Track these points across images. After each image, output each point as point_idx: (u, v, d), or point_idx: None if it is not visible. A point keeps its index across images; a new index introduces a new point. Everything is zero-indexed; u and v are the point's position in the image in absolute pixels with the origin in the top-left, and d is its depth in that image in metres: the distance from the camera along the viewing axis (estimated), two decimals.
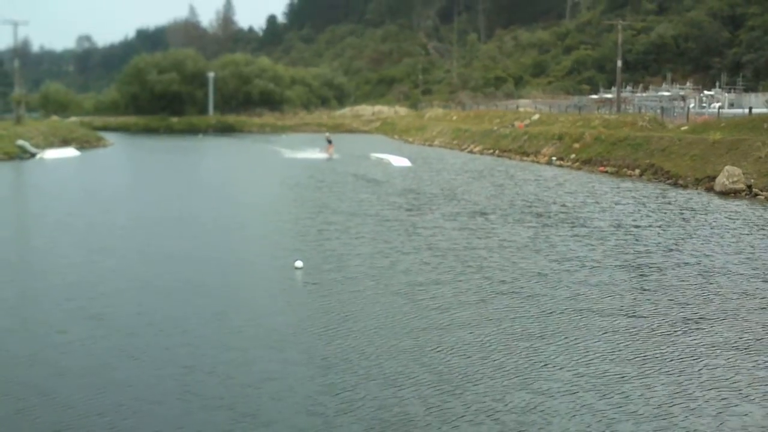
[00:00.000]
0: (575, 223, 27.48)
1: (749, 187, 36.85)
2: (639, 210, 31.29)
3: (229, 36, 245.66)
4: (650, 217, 29.41)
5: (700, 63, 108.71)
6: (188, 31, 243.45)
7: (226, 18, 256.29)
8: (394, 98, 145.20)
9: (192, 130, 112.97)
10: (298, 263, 19.22)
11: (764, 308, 15.79)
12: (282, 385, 11.41)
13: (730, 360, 12.58)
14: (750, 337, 13.76)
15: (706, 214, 30.33)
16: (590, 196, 36.17)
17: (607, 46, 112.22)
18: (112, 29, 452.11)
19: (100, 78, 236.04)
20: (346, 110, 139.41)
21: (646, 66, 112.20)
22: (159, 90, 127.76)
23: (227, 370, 12.01)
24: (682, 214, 30.58)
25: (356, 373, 11.76)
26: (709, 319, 14.88)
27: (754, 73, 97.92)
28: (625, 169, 48.43)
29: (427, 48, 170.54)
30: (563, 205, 32.58)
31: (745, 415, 10.31)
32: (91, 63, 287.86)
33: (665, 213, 30.55)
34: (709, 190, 38.05)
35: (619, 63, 78.41)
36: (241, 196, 37.02)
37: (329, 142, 63.23)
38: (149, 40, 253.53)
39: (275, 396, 11.02)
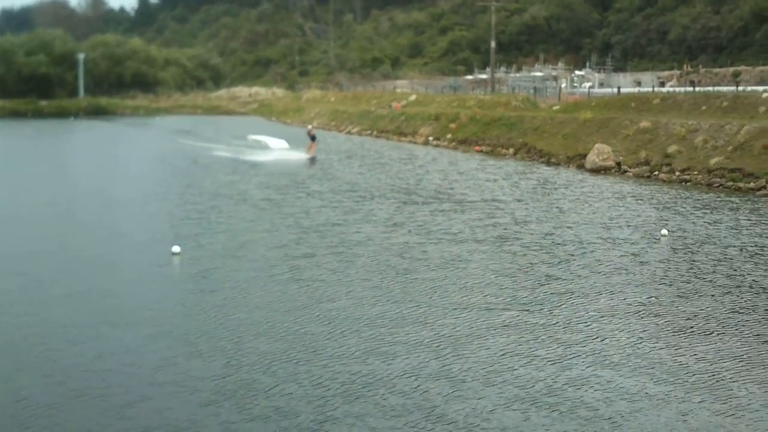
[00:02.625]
0: (443, 199, 28.12)
1: (618, 164, 37.77)
2: (508, 186, 32.02)
3: (100, 16, 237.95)
4: (515, 192, 30.35)
5: (572, 44, 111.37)
6: (56, 11, 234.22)
7: None
8: (271, 79, 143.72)
9: (62, 114, 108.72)
10: (175, 248, 18.68)
11: (600, 270, 16.76)
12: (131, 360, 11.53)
13: (571, 308, 14.29)
14: (590, 289, 15.48)
15: (566, 188, 31.61)
16: (462, 174, 36.77)
17: (482, 27, 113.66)
18: None
19: None
20: (222, 92, 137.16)
21: (520, 47, 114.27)
22: (26, 72, 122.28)
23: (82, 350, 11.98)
24: (546, 188, 31.70)
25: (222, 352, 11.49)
26: (561, 279, 15.44)
27: (622, 54, 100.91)
28: (499, 148, 49.05)
29: (303, 29, 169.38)
30: (434, 183, 33.06)
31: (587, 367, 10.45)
32: None
33: (535, 189, 31.34)
34: (581, 167, 38.89)
35: (493, 44, 79.43)
36: (115, 182, 35.67)
37: (312, 138, 47.05)
38: (14, 20, 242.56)
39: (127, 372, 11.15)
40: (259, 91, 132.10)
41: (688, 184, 33.04)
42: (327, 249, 19.42)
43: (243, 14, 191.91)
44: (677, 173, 34.46)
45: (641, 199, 28.50)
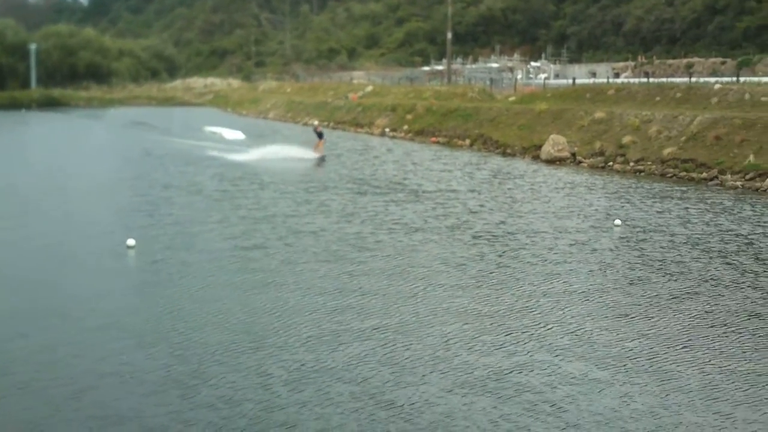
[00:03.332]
0: (397, 190, 28.20)
1: (573, 154, 38.04)
2: (462, 177, 32.20)
3: (52, 6, 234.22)
4: (469, 182, 30.49)
5: (527, 35, 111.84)
6: (7, 0, 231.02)
7: None
8: (226, 70, 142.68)
9: (14, 106, 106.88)
10: (130, 241, 18.46)
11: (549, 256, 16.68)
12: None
13: (517, 295, 14.23)
14: (538, 277, 15.48)
15: (520, 179, 31.83)
16: (417, 165, 36.92)
17: (438, 19, 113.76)
18: None
19: None
20: (177, 83, 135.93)
21: (476, 38, 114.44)
22: None
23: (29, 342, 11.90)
24: (500, 179, 31.86)
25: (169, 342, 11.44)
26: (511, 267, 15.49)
27: (577, 45, 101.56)
28: (456, 139, 49.16)
29: (259, 19, 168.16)
30: (388, 173, 33.17)
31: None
32: None
33: (489, 179, 31.45)
34: (536, 158, 39.10)
35: (449, 35, 79.53)
36: (69, 175, 35.15)
37: (319, 136, 41.82)
38: None
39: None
40: (215, 82, 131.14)
41: (642, 174, 33.39)
42: (278, 240, 19.38)
43: (198, 4, 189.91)
44: (631, 163, 34.79)
45: (595, 189, 28.75)
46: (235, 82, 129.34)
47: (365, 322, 12.90)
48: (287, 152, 39.74)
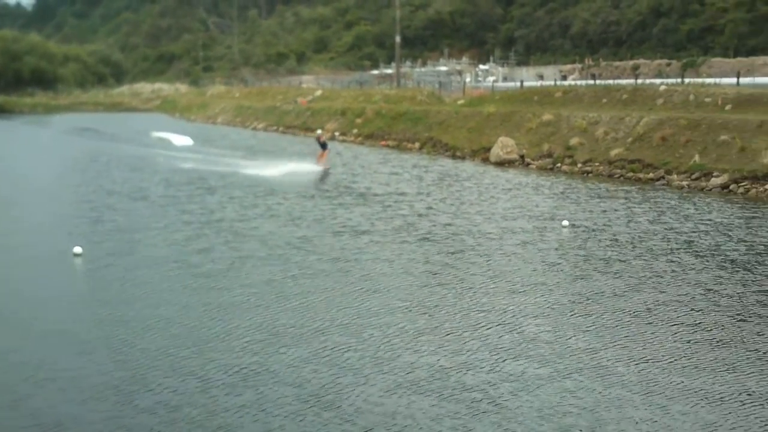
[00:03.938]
0: (344, 193, 28.28)
1: (522, 156, 38.28)
2: (410, 179, 32.32)
3: None
4: (418, 185, 30.61)
5: (476, 38, 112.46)
6: None
7: None
8: (174, 75, 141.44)
9: None
10: (77, 249, 18.17)
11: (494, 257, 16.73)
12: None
13: (460, 295, 14.44)
14: (481, 277, 15.27)
15: (469, 181, 32.06)
16: (365, 168, 37.05)
17: (387, 22, 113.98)
18: None
19: None
20: (125, 88, 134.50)
21: (425, 41, 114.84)
22: None
23: None
24: (449, 181, 32.07)
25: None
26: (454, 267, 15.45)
27: (525, 48, 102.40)
28: (405, 143, 49.25)
29: (207, 24, 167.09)
30: (336, 177, 33.34)
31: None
32: None
33: (438, 182, 31.56)
34: (486, 160, 39.28)
35: (398, 39, 79.73)
36: (14, 183, 34.54)
37: (323, 146, 37.04)
38: None
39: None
40: (163, 87, 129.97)
41: (590, 175, 33.71)
42: (224, 244, 19.25)
43: (145, 9, 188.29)
44: (579, 165, 35.10)
45: (542, 191, 28.95)
46: (183, 87, 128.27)
47: (308, 324, 12.88)
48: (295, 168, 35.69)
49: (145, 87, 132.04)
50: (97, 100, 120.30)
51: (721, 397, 10.01)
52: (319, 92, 77.29)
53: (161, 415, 9.45)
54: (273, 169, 34.69)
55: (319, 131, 40.63)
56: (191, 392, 10.13)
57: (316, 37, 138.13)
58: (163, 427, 9.17)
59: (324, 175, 34.32)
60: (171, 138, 55.90)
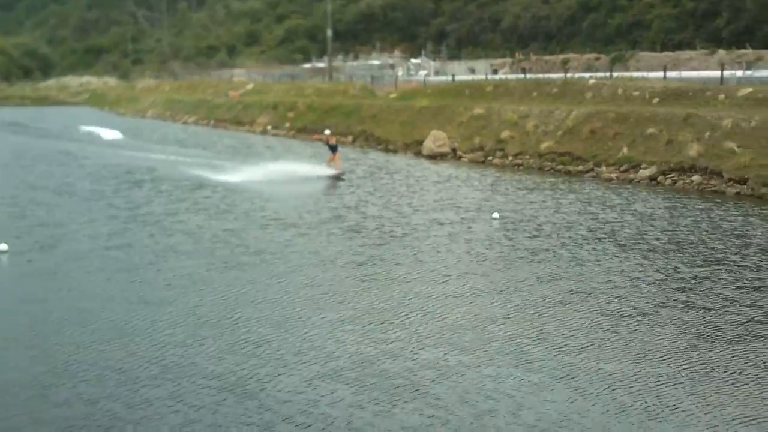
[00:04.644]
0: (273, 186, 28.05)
1: (454, 150, 38.48)
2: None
3: None
4: (348, 178, 30.71)
5: (407, 32, 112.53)
6: None
7: None
8: (103, 69, 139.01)
9: None
10: (2, 246, 17.75)
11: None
12: None
13: (384, 285, 14.09)
14: (406, 267, 15.28)
15: (400, 174, 32.30)
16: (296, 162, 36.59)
17: (318, 16, 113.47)
18: None
19: None
20: (52, 82, 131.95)
21: (356, 35, 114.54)
22: None
23: None
24: (380, 174, 32.23)
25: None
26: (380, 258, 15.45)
27: (456, 42, 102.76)
28: (338, 136, 48.96)
29: (136, 16, 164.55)
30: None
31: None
32: None
33: (369, 175, 31.67)
34: (418, 154, 39.39)
35: (330, 32, 79.54)
36: None
37: (333, 149, 32.23)
38: None
39: None
40: (91, 81, 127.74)
41: (521, 168, 34.02)
42: (149, 238, 19.06)
43: (72, 1, 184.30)
44: (510, 158, 35.38)
45: (473, 183, 29.14)
46: (111, 81, 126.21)
47: (230, 316, 12.82)
48: (293, 171, 31.13)
49: (73, 80, 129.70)
50: (23, 94, 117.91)
51: (637, 380, 10.20)
52: (250, 86, 76.69)
53: (78, 409, 9.30)
54: (247, 172, 30.75)
55: (326, 131, 34.69)
56: (111, 385, 9.99)
57: (247, 30, 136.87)
58: (79, 420, 9.02)
59: (338, 180, 30.46)
60: (100, 132, 55.14)
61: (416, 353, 11.11)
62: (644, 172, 29.42)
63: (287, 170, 30.75)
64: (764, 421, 9.09)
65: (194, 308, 13.21)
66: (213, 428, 8.85)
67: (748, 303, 13.51)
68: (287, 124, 56.46)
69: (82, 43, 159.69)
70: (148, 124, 69.98)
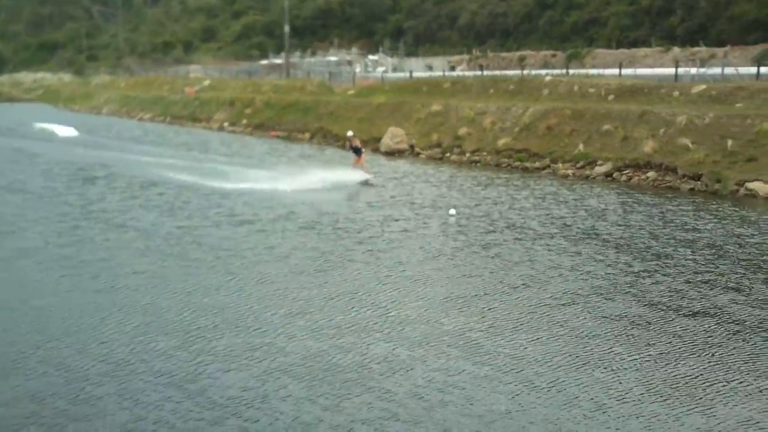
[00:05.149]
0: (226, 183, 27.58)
1: (412, 146, 38.56)
2: (295, 170, 31.75)
3: None
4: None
5: (365, 29, 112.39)
6: None
7: None
8: (57, 65, 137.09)
9: None
10: None
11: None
12: None
13: (333, 282, 13.54)
14: (356, 263, 14.96)
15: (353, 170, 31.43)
16: (251, 158, 36.56)
17: (276, 12, 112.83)
18: None
19: None
20: (4, 78, 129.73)
21: (314, 31, 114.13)
22: None
23: None
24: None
25: None
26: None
27: (414, 39, 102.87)
28: (295, 133, 49.02)
29: (91, 12, 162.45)
30: (221, 168, 32.35)
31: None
32: None
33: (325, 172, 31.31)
34: (376, 150, 39.37)
35: (287, 28, 79.28)
36: None
37: (356, 151, 30.28)
38: None
39: None
40: (45, 77, 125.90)
41: (478, 164, 34.18)
42: (100, 234, 18.86)
43: None
44: (467, 154, 35.53)
45: (430, 180, 29.20)
46: (66, 77, 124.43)
47: (181, 313, 12.76)
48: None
49: (26, 76, 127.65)
50: None
51: (584, 372, 10.36)
52: (207, 82, 76.15)
53: (25, 407, 9.23)
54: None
55: (349, 133, 32.18)
56: (59, 383, 9.91)
57: (204, 26, 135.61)
58: (24, 419, 8.95)
59: (367, 184, 28.37)
60: (54, 129, 54.49)
61: (367, 347, 11.16)
62: (600, 169, 29.73)
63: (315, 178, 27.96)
64: (707, 407, 9.28)
65: (145, 305, 13.12)
66: (160, 425, 8.82)
67: (695, 295, 13.74)
68: (244, 121, 56.17)
69: (36, 38, 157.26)
70: (104, 120, 69.18)
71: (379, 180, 28.71)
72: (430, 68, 75.63)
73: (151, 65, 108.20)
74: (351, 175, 29.06)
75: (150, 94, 77.79)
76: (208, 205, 23.11)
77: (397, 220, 20.67)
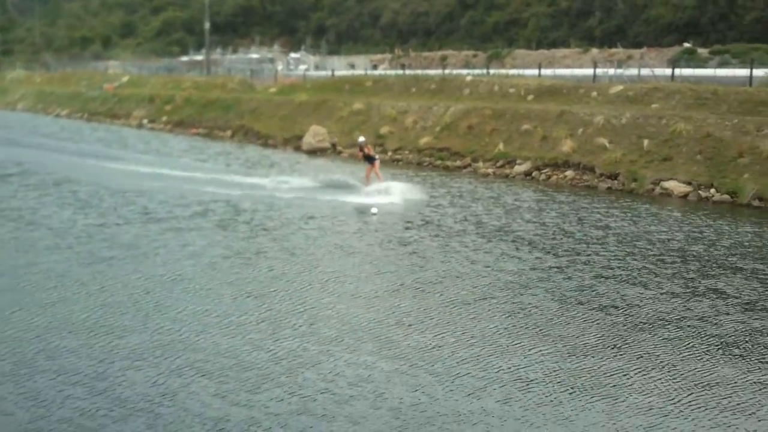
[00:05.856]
0: (141, 179, 27.34)
1: (334, 145, 38.57)
2: (213, 167, 31.75)
3: None
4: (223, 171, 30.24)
5: (287, 26, 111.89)
6: None
7: None
8: None
9: None
10: None
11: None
12: None
13: (240, 281, 13.43)
14: (265, 260, 14.81)
15: (273, 168, 31.98)
16: (169, 156, 36.17)
17: (196, 8, 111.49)
18: None
19: None
20: None
21: (235, 28, 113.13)
22: None
23: None
24: (256, 169, 31.85)
25: None
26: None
27: (336, 37, 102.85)
28: (216, 131, 48.64)
29: (5, 4, 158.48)
30: (138, 166, 31.97)
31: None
32: None
33: (247, 169, 31.18)
34: (298, 148, 39.34)
35: (207, 25, 78.51)
36: None
37: (369, 159, 26.37)
38: None
39: None
40: None
41: (401, 163, 34.39)
42: (9, 233, 18.41)
43: None
44: (390, 153, 35.67)
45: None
46: None
47: (86, 312, 12.53)
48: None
49: None
50: None
51: (493, 364, 10.53)
52: (126, 78, 74.96)
53: None
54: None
55: (361, 139, 27.83)
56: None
57: (123, 21, 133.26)
58: None
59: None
60: None
61: (277, 343, 11.15)
62: (519, 168, 30.17)
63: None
64: (610, 396, 9.54)
65: (54, 304, 12.88)
66: (62, 423, 8.69)
67: (604, 290, 14.07)
68: (164, 118, 55.51)
69: None
70: (19, 117, 67.57)
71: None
72: (352, 67, 75.62)
73: (68, 60, 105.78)
74: (372, 195, 24.60)
75: (67, 90, 76.25)
76: (123, 202, 22.75)
77: (314, 218, 20.65)
